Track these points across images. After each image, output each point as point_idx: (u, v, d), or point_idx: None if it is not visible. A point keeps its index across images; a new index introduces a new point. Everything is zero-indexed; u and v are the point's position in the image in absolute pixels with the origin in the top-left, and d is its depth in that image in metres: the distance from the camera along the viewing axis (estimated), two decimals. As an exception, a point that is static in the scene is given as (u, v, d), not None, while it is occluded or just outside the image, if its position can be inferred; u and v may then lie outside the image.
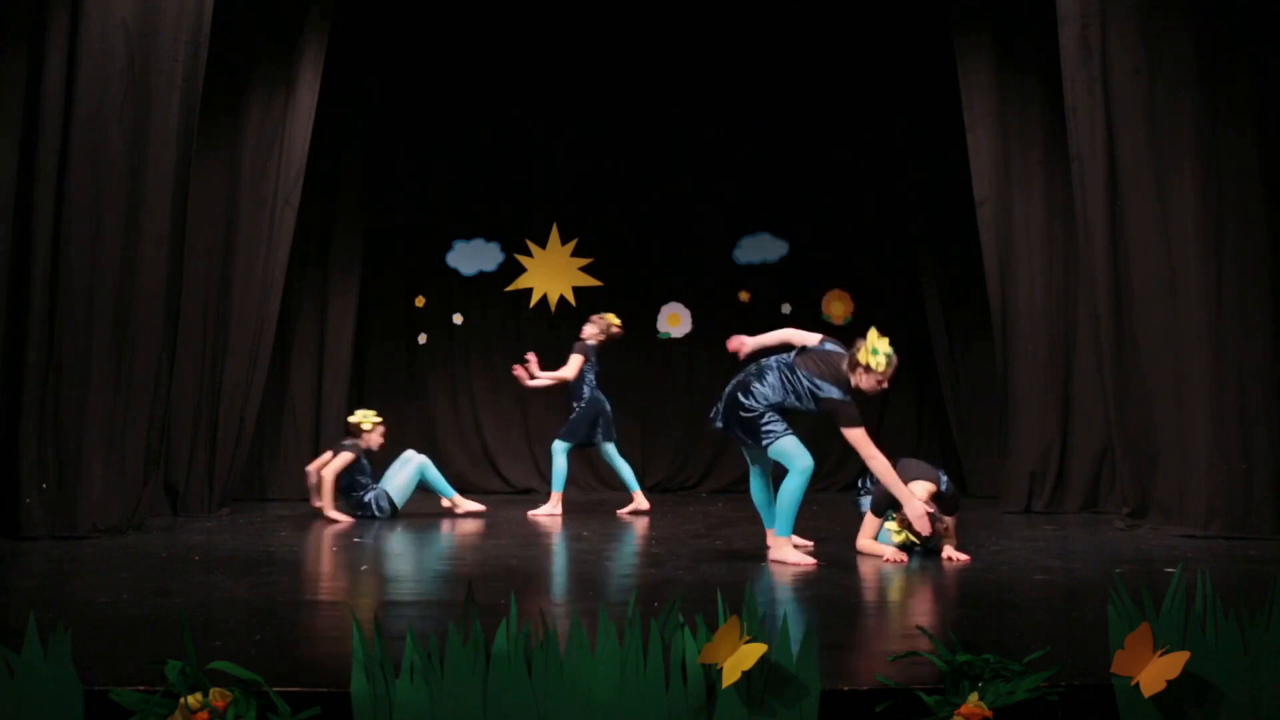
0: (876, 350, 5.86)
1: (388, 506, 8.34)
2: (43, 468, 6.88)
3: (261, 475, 9.69)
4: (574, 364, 8.67)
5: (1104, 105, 7.23)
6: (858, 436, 5.89)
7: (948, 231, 10.02)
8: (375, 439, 8.54)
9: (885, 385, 5.98)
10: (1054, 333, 8.62)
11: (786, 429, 5.97)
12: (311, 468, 8.53)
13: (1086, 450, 8.53)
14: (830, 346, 6.10)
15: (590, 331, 8.85)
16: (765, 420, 5.95)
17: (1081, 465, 8.56)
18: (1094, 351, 7.95)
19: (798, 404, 5.99)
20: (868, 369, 5.87)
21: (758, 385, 5.99)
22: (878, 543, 6.22)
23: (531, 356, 8.91)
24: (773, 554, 6.05)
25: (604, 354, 8.98)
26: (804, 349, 6.11)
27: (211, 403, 8.54)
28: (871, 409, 9.55)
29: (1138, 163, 7.18)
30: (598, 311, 10.55)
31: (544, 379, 8.84)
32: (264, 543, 6.99)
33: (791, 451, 5.94)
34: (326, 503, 8.16)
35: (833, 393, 5.90)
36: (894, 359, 5.92)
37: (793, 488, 5.95)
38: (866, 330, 5.98)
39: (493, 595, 4.78)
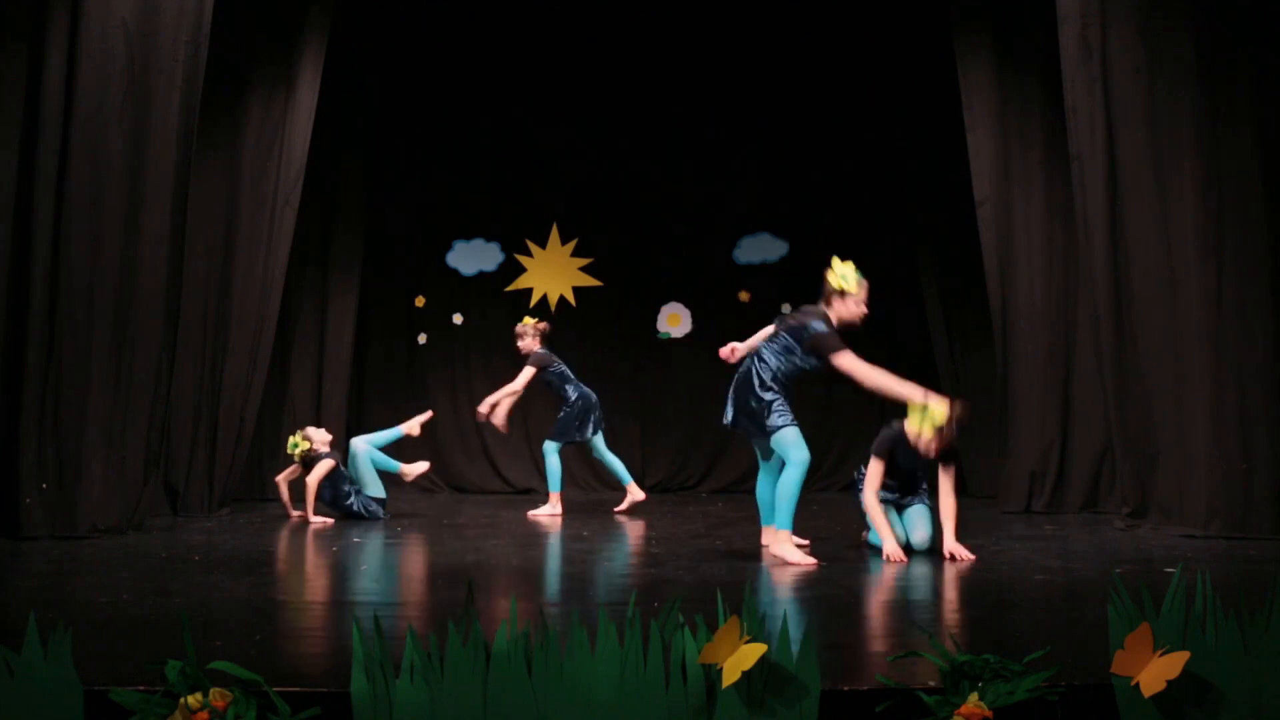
0: (846, 276, 6.04)
1: (376, 507, 8.33)
2: (43, 468, 6.88)
3: (261, 475, 9.68)
4: (523, 376, 8.69)
5: (1104, 105, 7.23)
6: (847, 360, 5.93)
7: (948, 231, 10.02)
8: (322, 438, 8.45)
9: (864, 309, 6.11)
10: (1054, 333, 8.62)
11: (792, 420, 6.02)
12: (280, 478, 8.49)
13: (1086, 450, 8.53)
14: (805, 308, 6.28)
15: (526, 344, 8.84)
16: (772, 408, 6.01)
17: (1081, 465, 8.55)
18: (1094, 351, 7.95)
19: (795, 360, 6.04)
20: (842, 294, 6.06)
21: (762, 365, 6.07)
22: (884, 515, 6.21)
23: (484, 407, 8.83)
24: (773, 548, 6.07)
25: (562, 349, 9.00)
26: (781, 315, 6.34)
27: (211, 403, 8.54)
28: (873, 409, 9.55)
29: (1138, 163, 7.18)
30: (597, 312, 10.58)
31: (502, 398, 8.75)
32: (264, 543, 6.99)
33: (791, 442, 5.99)
34: (309, 507, 8.13)
35: (817, 325, 6.00)
36: (863, 280, 6.09)
37: (791, 480, 5.99)
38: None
39: (493, 595, 4.78)
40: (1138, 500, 7.34)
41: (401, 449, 9.04)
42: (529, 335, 8.85)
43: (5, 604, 4.78)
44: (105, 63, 7.02)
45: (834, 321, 6.05)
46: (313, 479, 8.15)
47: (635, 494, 8.79)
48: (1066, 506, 8.51)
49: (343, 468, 8.35)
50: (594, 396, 8.75)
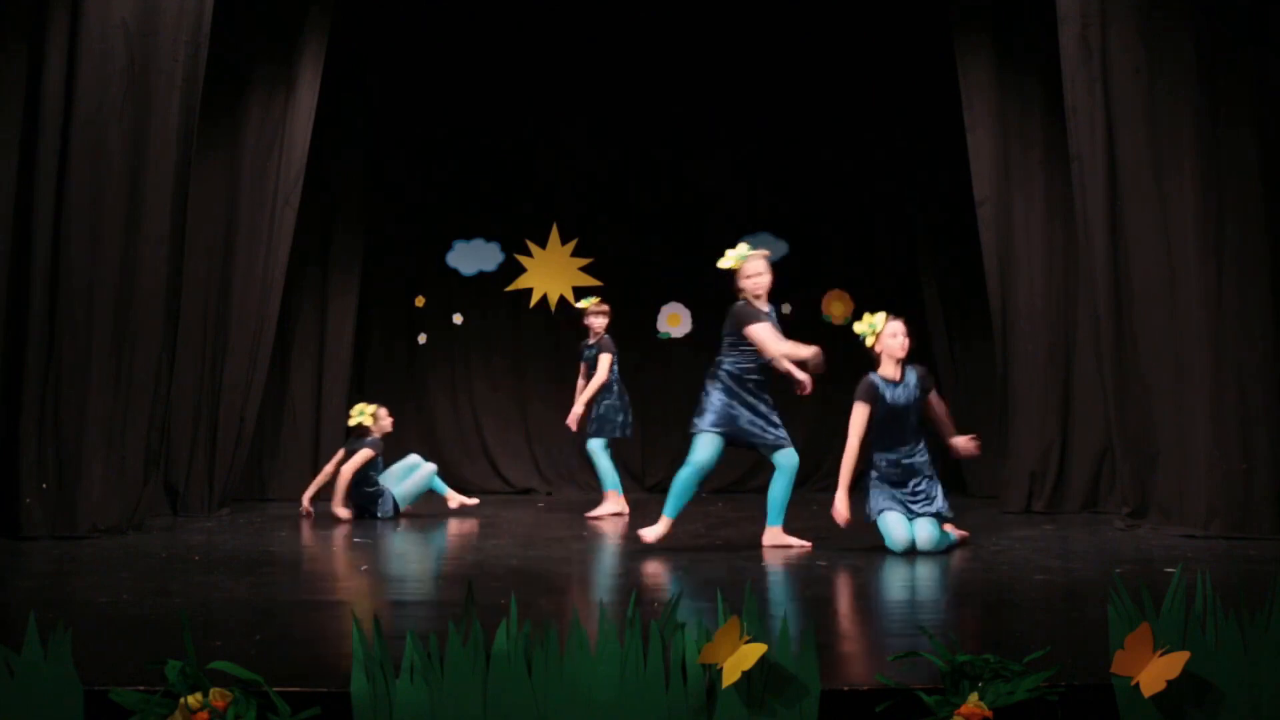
0: (730, 255, 6.56)
1: (391, 510, 8.34)
2: (43, 468, 6.88)
3: (261, 475, 9.69)
4: (605, 364, 8.54)
5: (1104, 105, 7.23)
6: (755, 330, 6.42)
7: (948, 231, 10.02)
8: (386, 424, 8.51)
9: (766, 279, 6.54)
10: (1054, 333, 8.62)
11: (715, 427, 6.36)
12: (329, 468, 8.46)
13: (1086, 450, 8.52)
14: None
15: (603, 323, 8.70)
16: (708, 406, 6.42)
17: (1081, 465, 8.55)
18: (1094, 351, 7.95)
19: (741, 350, 6.47)
20: (734, 274, 6.55)
21: (718, 368, 6.52)
22: (852, 467, 6.42)
23: (580, 409, 8.63)
24: (647, 530, 6.49)
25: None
26: None
27: (211, 403, 8.54)
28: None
29: (1138, 163, 7.18)
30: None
31: (586, 396, 8.56)
32: (264, 543, 6.99)
33: (700, 445, 6.41)
34: (337, 499, 8.13)
35: (734, 307, 6.59)
36: (755, 256, 6.53)
37: (684, 476, 6.42)
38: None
39: (493, 595, 4.78)
40: (1138, 500, 7.34)
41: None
42: (605, 316, 8.72)
43: (5, 604, 4.78)
44: (105, 63, 7.02)
45: (750, 301, 6.51)
46: (349, 469, 8.16)
47: (618, 505, 8.69)
48: (1066, 506, 8.50)
49: (381, 458, 8.36)
50: (627, 395, 8.70)
